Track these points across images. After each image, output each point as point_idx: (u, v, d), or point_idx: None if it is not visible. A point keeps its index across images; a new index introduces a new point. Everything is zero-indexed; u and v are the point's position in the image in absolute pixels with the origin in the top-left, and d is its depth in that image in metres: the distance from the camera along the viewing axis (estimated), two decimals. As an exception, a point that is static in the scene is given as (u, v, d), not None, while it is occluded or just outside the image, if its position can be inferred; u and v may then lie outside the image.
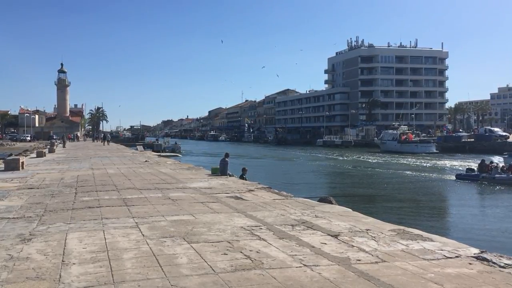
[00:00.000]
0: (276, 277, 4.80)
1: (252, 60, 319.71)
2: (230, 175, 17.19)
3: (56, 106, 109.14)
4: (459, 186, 28.78)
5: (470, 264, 5.32)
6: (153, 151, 52.74)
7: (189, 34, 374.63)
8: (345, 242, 6.37)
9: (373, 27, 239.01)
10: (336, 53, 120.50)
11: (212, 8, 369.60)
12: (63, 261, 5.41)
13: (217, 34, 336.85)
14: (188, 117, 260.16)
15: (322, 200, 11.74)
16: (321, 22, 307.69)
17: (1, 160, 25.52)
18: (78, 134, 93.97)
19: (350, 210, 9.55)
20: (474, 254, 5.74)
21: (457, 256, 5.65)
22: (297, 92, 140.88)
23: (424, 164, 45.01)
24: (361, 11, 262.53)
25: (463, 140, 70.03)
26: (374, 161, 50.70)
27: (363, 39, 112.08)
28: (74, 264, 5.29)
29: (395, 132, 70.69)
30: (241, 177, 16.86)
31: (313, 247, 6.08)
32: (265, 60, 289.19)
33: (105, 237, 6.69)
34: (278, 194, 11.91)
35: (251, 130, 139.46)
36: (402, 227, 7.50)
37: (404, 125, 76.99)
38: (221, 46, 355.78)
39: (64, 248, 6.03)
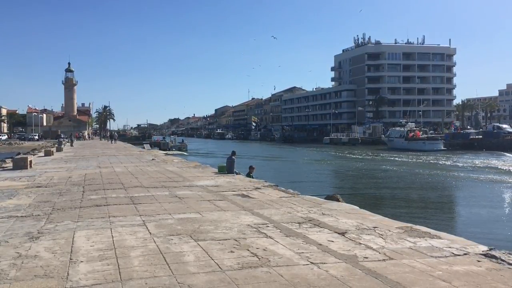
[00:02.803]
0: (283, 274, 4.79)
1: (259, 57, 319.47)
2: (237, 173, 17.20)
3: (64, 105, 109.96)
4: (470, 184, 28.57)
5: (479, 261, 5.28)
6: (160, 149, 52.99)
7: (196, 32, 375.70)
8: (352, 240, 6.35)
9: (380, 24, 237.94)
10: (343, 50, 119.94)
11: (219, 5, 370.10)
12: (71, 259, 5.44)
13: (224, 32, 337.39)
14: (195, 116, 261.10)
15: (329, 197, 11.74)
16: (327, 19, 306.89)
17: (10, 159, 25.73)
18: (85, 133, 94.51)
19: (357, 207, 9.52)
20: (483, 251, 5.70)
21: (465, 254, 5.61)
22: (303, 90, 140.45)
23: (432, 162, 44.73)
24: (368, 8, 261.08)
25: (471, 137, 69.37)
26: (381, 158, 50.47)
27: (369, 36, 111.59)
28: (81, 262, 5.32)
29: (402, 129, 70.21)
30: (248, 175, 16.88)
31: (320, 244, 6.07)
32: (270, 59, 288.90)
33: (112, 235, 6.72)
34: (284, 192, 11.90)
35: (258, 128, 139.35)
36: (409, 225, 7.46)
37: (411, 122, 76.49)
38: (228, 44, 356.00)
39: (71, 246, 6.07)
